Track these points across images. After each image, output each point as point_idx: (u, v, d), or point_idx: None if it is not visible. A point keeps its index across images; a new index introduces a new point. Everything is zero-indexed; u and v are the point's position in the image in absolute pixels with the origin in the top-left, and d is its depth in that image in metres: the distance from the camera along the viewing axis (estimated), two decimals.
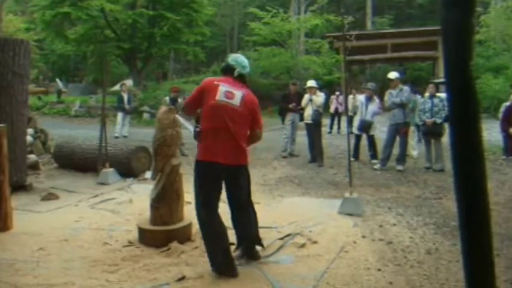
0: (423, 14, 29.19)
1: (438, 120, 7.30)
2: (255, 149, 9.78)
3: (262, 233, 4.10)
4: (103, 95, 7.48)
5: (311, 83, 8.44)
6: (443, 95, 7.32)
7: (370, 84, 8.62)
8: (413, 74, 25.90)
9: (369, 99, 8.15)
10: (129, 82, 21.76)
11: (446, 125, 7.26)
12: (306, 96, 8.34)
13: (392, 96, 7.48)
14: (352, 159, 8.25)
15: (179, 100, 9.28)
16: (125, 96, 12.37)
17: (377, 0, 28.34)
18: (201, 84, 3.30)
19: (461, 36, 0.85)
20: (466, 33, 0.85)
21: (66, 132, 11.55)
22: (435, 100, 7.41)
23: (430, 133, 7.43)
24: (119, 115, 12.36)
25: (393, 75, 7.68)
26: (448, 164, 7.23)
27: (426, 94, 7.78)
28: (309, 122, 8.22)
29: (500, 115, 8.71)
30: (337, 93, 13.89)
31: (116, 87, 17.80)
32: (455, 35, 0.86)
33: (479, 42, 21.55)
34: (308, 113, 8.22)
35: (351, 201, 4.81)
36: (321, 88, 9.03)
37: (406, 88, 7.65)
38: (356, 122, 8.42)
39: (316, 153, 8.15)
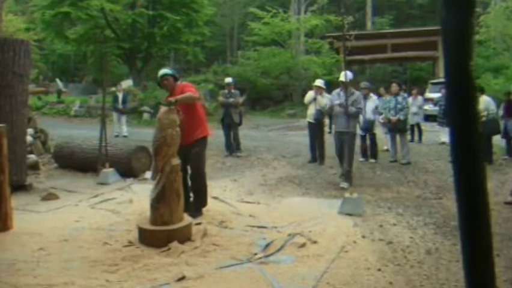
0: (423, 14, 29.17)
1: (402, 117, 8.06)
2: (256, 149, 9.78)
3: (262, 232, 4.11)
4: (103, 95, 7.48)
5: (319, 82, 8.33)
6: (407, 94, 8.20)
7: (364, 84, 8.66)
8: (413, 74, 25.93)
9: (365, 97, 8.17)
10: (129, 82, 21.77)
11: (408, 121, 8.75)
12: (311, 94, 8.28)
13: (338, 97, 6.41)
14: (362, 159, 8.29)
15: None
16: (120, 96, 12.50)
17: (377, 0, 28.33)
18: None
19: (461, 36, 0.85)
20: (466, 33, 0.85)
21: (66, 132, 11.53)
22: (399, 98, 8.14)
23: (395, 129, 8.12)
24: (114, 115, 12.61)
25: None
26: (446, 164, 7.28)
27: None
28: (312, 121, 8.20)
29: (501, 112, 8.66)
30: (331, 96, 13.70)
31: None
32: (455, 35, 0.86)
33: (479, 42, 21.56)
34: (311, 112, 8.19)
35: (351, 201, 4.81)
36: (326, 89, 8.79)
37: (358, 94, 6.60)
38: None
39: (319, 152, 8.16)
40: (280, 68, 21.64)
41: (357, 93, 6.52)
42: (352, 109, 6.13)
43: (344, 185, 6.08)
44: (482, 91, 8.49)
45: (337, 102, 6.25)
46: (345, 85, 6.07)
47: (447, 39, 0.87)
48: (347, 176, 6.07)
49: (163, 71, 4.86)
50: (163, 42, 21.72)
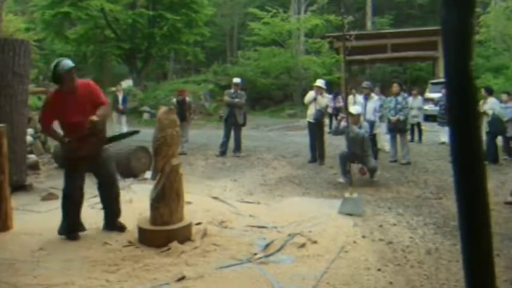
0: (423, 14, 29.16)
1: (402, 117, 8.09)
2: (256, 149, 9.78)
3: (262, 232, 4.10)
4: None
5: (320, 82, 8.33)
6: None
7: (366, 83, 8.66)
8: (413, 74, 25.92)
9: (366, 98, 8.18)
10: (129, 82, 21.78)
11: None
12: (311, 93, 8.28)
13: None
14: None
15: (188, 99, 9.74)
16: (120, 96, 12.55)
17: (377, 0, 28.32)
18: None
19: (461, 36, 0.85)
20: (466, 33, 0.85)
21: None
22: (399, 98, 8.15)
23: (395, 129, 8.19)
24: (114, 115, 12.63)
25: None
26: (446, 164, 7.29)
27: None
28: (312, 121, 8.20)
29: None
30: (331, 96, 13.55)
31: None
32: (455, 35, 0.86)
33: (479, 42, 21.54)
34: (311, 112, 8.19)
35: (351, 201, 4.81)
36: (328, 90, 8.97)
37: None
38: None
39: (319, 152, 8.16)
40: (280, 68, 21.63)
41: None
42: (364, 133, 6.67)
43: (342, 179, 6.41)
44: (491, 92, 8.59)
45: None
46: (354, 119, 6.47)
47: (447, 39, 0.87)
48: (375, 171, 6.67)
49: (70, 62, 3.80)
50: (163, 42, 21.72)
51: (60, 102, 3.78)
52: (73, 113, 3.73)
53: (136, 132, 4.53)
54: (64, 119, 3.87)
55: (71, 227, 3.93)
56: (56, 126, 3.98)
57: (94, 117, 3.68)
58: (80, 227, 4.00)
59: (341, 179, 6.46)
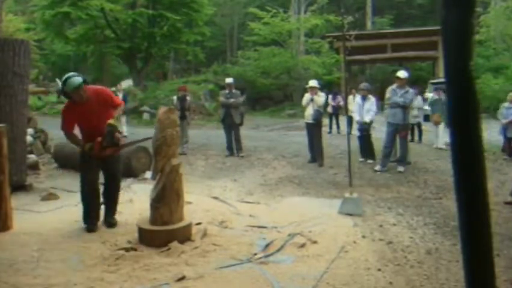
0: (423, 14, 29.17)
1: (404, 102, 8.03)
2: (256, 149, 9.78)
3: (262, 232, 4.10)
4: None
5: (313, 82, 8.39)
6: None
7: (363, 85, 8.66)
8: (413, 74, 25.92)
9: (364, 98, 8.18)
10: (129, 82, 21.78)
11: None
12: (307, 96, 8.32)
13: (395, 93, 7.39)
14: (362, 159, 8.27)
15: (188, 98, 9.68)
16: (120, 96, 12.57)
17: (377, 0, 28.31)
18: None
19: (461, 36, 0.85)
20: (466, 33, 0.85)
21: None
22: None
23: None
24: None
25: (403, 74, 7.59)
26: (446, 164, 7.27)
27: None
28: (310, 121, 8.22)
29: (501, 117, 8.69)
30: (330, 95, 13.40)
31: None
32: (455, 35, 0.86)
33: (479, 42, 21.55)
34: (309, 112, 8.21)
35: (351, 201, 4.82)
36: (321, 88, 9.04)
37: (412, 90, 7.60)
38: (356, 124, 8.47)
39: (316, 152, 8.16)
40: (280, 68, 21.63)
41: (410, 90, 7.53)
42: (400, 100, 7.18)
43: (401, 168, 7.25)
44: None
45: (399, 100, 7.24)
46: (402, 82, 7.23)
47: (447, 39, 0.87)
48: (404, 160, 7.43)
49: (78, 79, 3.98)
50: (163, 42, 21.72)
51: (73, 112, 4.14)
52: (87, 120, 4.11)
53: (147, 138, 4.69)
54: (80, 126, 4.27)
55: (90, 218, 4.19)
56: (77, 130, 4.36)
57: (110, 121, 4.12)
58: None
59: (401, 168, 7.21)
